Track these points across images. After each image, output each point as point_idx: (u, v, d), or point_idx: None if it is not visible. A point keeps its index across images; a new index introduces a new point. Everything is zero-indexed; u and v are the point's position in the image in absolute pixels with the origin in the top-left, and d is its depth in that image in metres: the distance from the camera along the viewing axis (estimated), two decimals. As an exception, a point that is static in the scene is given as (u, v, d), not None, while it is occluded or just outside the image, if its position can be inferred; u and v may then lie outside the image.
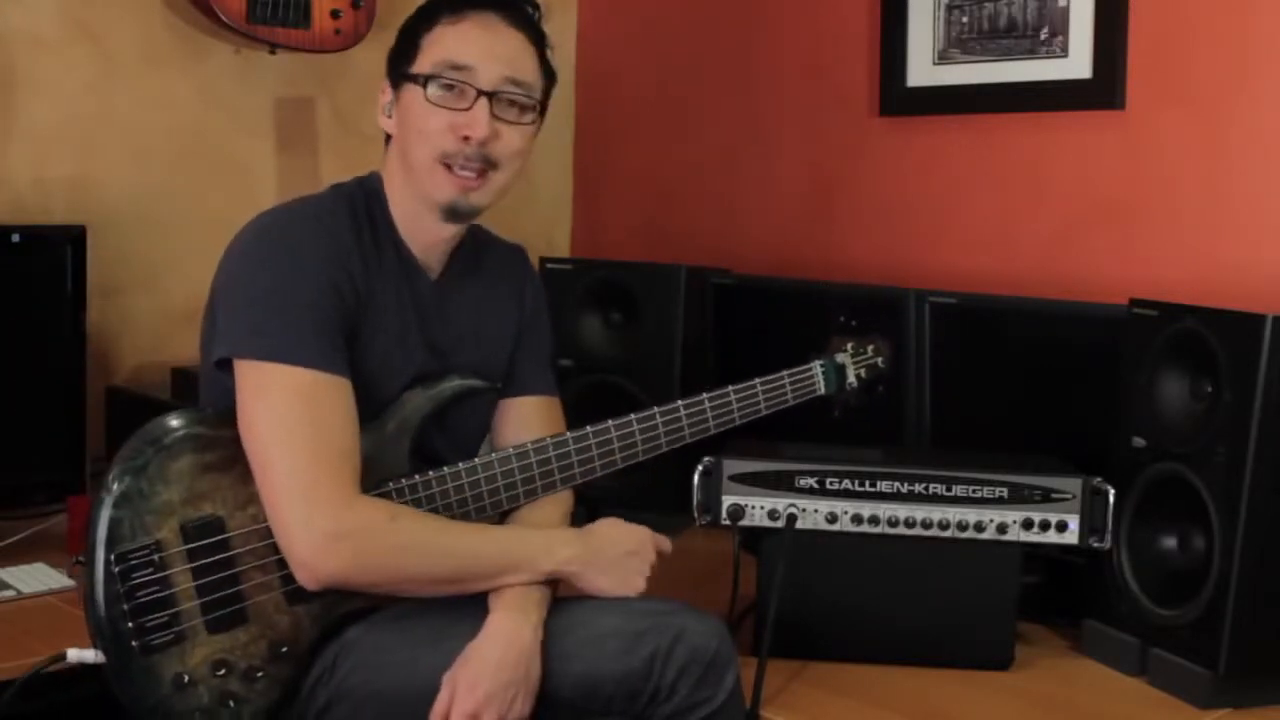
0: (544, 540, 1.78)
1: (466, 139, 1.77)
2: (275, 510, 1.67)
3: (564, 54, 3.33)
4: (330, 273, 1.73)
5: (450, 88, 1.78)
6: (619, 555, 1.80)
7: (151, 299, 2.79)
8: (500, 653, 1.67)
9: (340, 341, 1.73)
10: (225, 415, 1.72)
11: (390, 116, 1.84)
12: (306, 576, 1.67)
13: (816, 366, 2.04)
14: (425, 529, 1.73)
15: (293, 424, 1.67)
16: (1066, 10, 2.55)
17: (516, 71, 1.80)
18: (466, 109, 1.77)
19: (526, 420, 1.94)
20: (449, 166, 1.78)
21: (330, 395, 1.70)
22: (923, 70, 2.76)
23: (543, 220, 3.39)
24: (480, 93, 1.77)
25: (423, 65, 1.79)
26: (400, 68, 1.82)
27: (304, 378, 1.68)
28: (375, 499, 1.72)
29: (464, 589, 1.74)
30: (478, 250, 1.92)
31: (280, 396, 1.68)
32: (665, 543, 1.85)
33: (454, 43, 1.79)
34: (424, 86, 1.78)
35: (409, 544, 1.71)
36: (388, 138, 1.87)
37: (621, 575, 1.79)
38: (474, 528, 1.79)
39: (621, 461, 1.87)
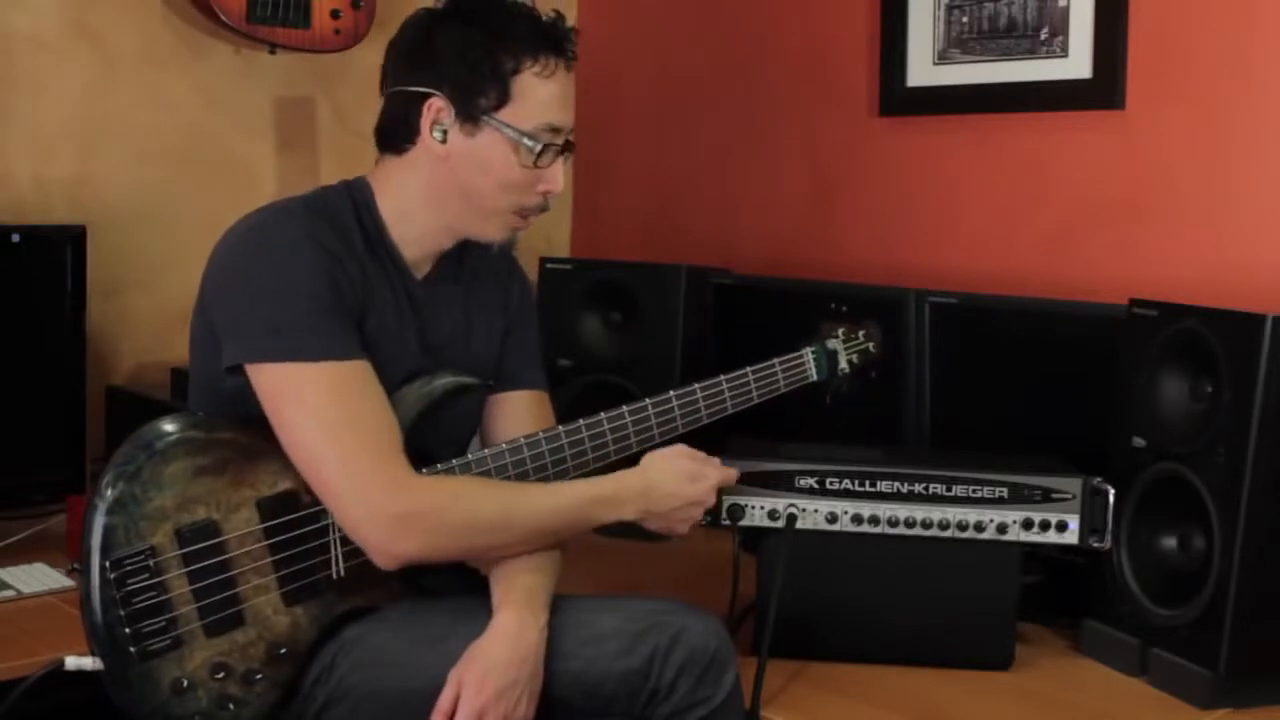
0: (607, 498, 1.79)
1: (545, 193, 1.81)
2: (338, 505, 1.68)
3: (564, 54, 3.33)
4: (327, 264, 1.72)
5: (546, 150, 1.78)
6: (670, 509, 1.82)
7: (151, 299, 2.79)
8: (508, 652, 1.67)
9: (351, 326, 1.73)
10: (218, 418, 1.73)
11: (444, 141, 1.77)
12: (385, 561, 1.69)
13: (808, 353, 2.05)
14: (489, 502, 1.74)
15: (334, 419, 1.67)
16: (1066, 10, 2.55)
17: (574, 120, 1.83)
18: (549, 166, 1.79)
19: (517, 415, 1.93)
20: (519, 214, 1.82)
21: (361, 381, 1.70)
22: (923, 70, 2.76)
23: (543, 220, 3.32)
24: (560, 151, 1.80)
25: (521, 120, 1.76)
26: (482, 104, 1.75)
27: (333, 370, 1.68)
28: (434, 477, 1.74)
29: (534, 549, 1.77)
30: (462, 249, 1.90)
31: (315, 395, 1.67)
32: (732, 477, 1.90)
33: (552, 103, 1.77)
34: (526, 143, 1.76)
35: (475, 520, 1.72)
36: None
37: (669, 524, 1.84)
38: (535, 491, 1.78)
39: (615, 454, 1.86)
